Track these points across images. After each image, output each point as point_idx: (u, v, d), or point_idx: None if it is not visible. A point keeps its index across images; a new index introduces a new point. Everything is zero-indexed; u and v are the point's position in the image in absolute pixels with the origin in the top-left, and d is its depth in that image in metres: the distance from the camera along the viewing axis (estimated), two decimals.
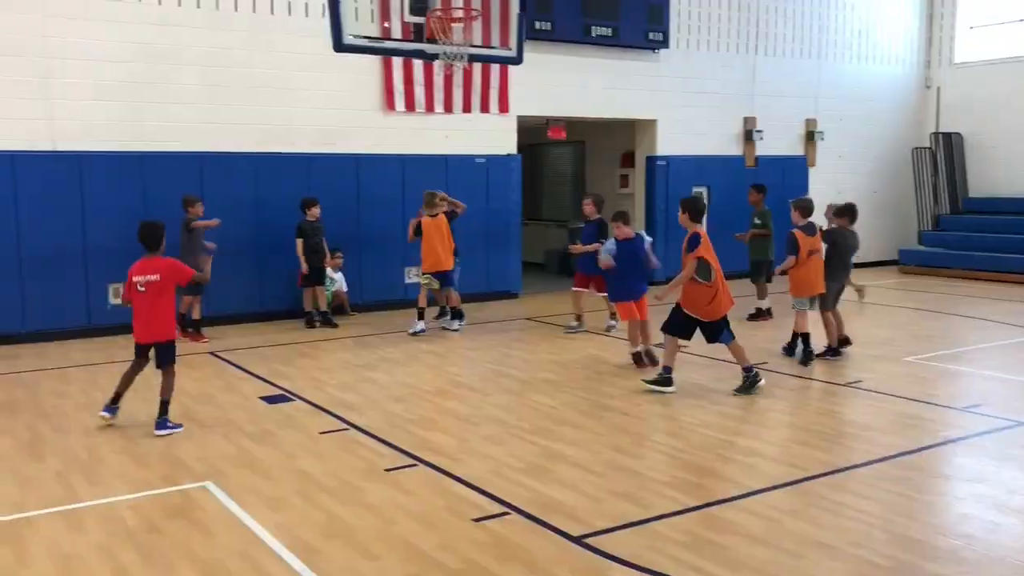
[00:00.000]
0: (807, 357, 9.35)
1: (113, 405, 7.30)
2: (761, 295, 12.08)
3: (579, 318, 11.47)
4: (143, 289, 7.07)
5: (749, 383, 8.09)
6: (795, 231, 9.43)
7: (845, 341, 9.79)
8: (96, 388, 8.58)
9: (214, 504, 5.56)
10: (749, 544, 4.85)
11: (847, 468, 6.11)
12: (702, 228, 8.23)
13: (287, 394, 8.30)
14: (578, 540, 4.94)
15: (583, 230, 11.40)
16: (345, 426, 7.25)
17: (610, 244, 9.56)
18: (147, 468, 6.26)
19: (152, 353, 7.24)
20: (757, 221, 12.14)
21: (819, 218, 10.32)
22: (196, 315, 10.94)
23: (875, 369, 9.16)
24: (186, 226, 10.62)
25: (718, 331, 8.11)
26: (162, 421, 7.06)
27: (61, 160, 10.95)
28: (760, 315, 11.98)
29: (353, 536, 5.03)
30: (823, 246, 9.56)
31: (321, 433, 7.08)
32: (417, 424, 7.31)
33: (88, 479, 6.03)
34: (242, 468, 6.22)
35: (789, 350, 9.73)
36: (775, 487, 5.73)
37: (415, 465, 6.26)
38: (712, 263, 8.00)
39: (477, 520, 5.23)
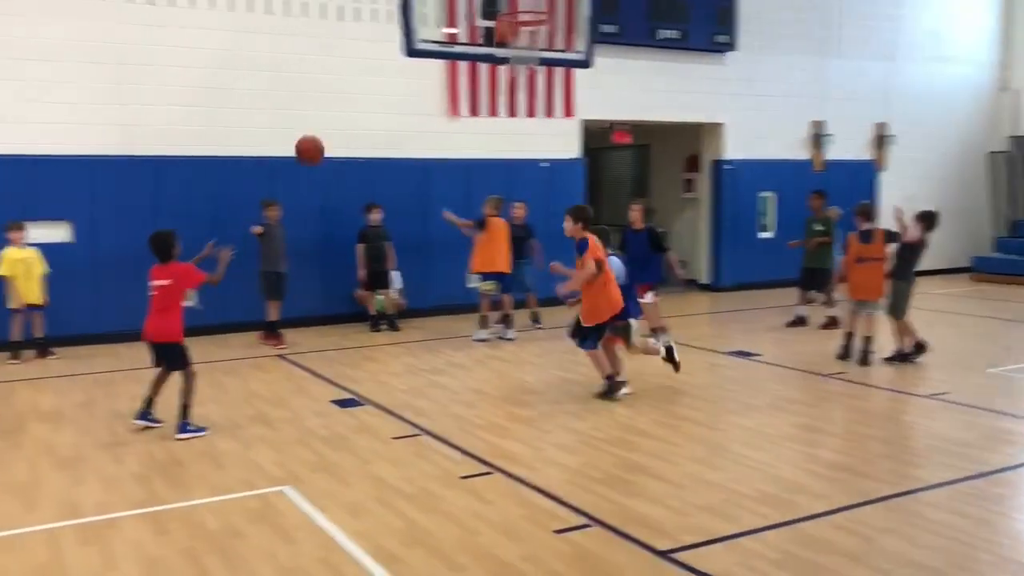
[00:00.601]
0: (845, 353, 9.63)
1: (146, 410, 7.27)
2: (829, 304, 11.81)
3: (660, 329, 10.17)
4: (154, 293, 7.30)
5: (610, 389, 8.10)
6: (850, 234, 9.68)
7: (921, 347, 9.60)
8: (170, 389, 8.63)
9: (293, 509, 5.54)
10: (847, 564, 4.66)
11: (941, 484, 5.86)
12: (590, 234, 8.04)
13: (357, 398, 8.29)
14: (666, 555, 4.80)
15: (627, 239, 10.36)
16: (417, 431, 7.20)
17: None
18: (225, 471, 6.27)
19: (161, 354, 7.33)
20: (820, 228, 11.87)
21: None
22: (274, 317, 10.99)
23: (958, 380, 8.83)
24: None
25: (585, 336, 8.02)
26: (182, 424, 7.04)
27: (135, 165, 11.13)
28: (831, 324, 11.60)
29: (436, 545, 4.95)
30: (888, 253, 9.49)
31: (394, 438, 7.03)
32: (489, 430, 7.23)
33: (168, 481, 6.06)
34: (319, 473, 6.20)
35: (900, 357, 9.55)
36: (867, 503, 5.52)
37: (490, 473, 6.17)
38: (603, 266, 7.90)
39: (559, 531, 5.12)
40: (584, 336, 8.06)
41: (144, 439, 7.02)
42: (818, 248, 11.82)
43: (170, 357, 7.26)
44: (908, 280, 9.58)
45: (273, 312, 11.00)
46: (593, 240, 8.00)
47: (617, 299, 7.98)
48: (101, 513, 5.47)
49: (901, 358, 9.48)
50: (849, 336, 9.70)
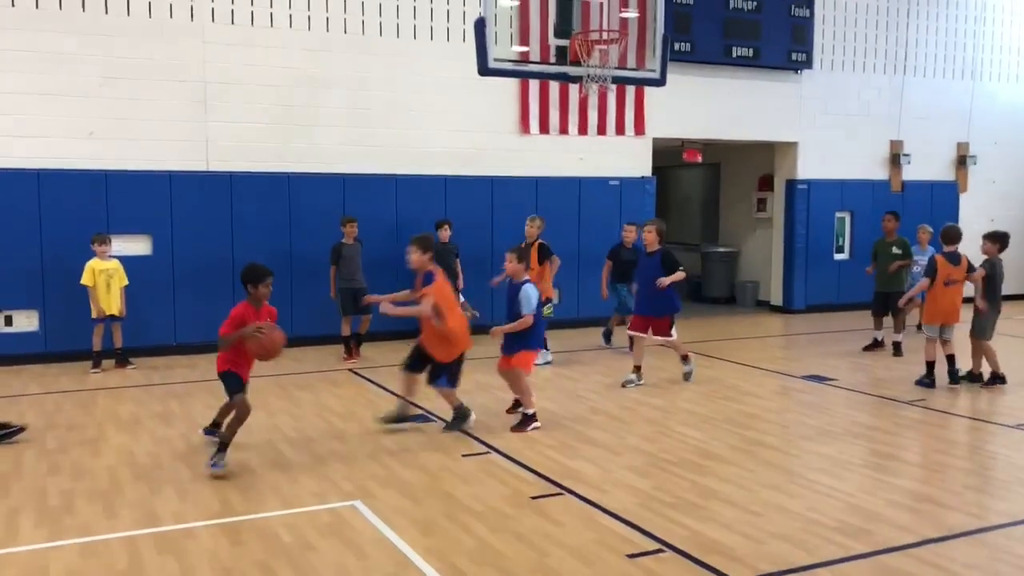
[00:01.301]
0: (931, 382, 9.44)
1: (212, 428, 7.25)
2: (899, 328, 11.42)
3: (638, 369, 9.67)
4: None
5: (460, 417, 7.78)
6: (937, 255, 9.46)
7: (978, 377, 9.56)
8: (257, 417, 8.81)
9: (364, 524, 5.56)
10: None
11: None
12: (437, 268, 7.80)
13: (426, 414, 8.31)
14: None
15: (639, 263, 9.99)
16: (486, 450, 7.18)
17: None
18: (297, 484, 6.33)
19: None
20: (897, 251, 11.56)
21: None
22: (346, 332, 11.13)
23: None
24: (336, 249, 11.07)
25: (440, 374, 7.66)
26: (214, 458, 6.58)
27: (214, 179, 11.41)
28: (897, 350, 11.37)
29: (506, 566, 4.92)
30: (975, 277, 9.37)
31: (464, 456, 7.03)
32: (558, 451, 7.18)
33: (242, 493, 6.14)
34: (389, 488, 6.22)
35: (971, 377, 9.57)
36: (952, 536, 5.32)
37: (561, 494, 6.12)
38: (445, 305, 7.50)
39: (632, 556, 5.04)
40: (438, 374, 7.67)
41: None
42: (897, 271, 11.52)
43: (224, 384, 6.88)
44: (995, 304, 9.44)
45: (346, 328, 11.11)
46: (441, 278, 7.70)
47: (465, 334, 7.69)
48: (178, 522, 5.57)
49: (974, 379, 9.53)
50: (933, 365, 9.47)
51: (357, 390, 9.47)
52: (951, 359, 9.39)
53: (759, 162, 16.29)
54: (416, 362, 7.77)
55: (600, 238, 13.47)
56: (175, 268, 11.28)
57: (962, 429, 8.03)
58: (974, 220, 16.65)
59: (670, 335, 9.56)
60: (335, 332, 11.78)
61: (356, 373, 10.30)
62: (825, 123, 15.43)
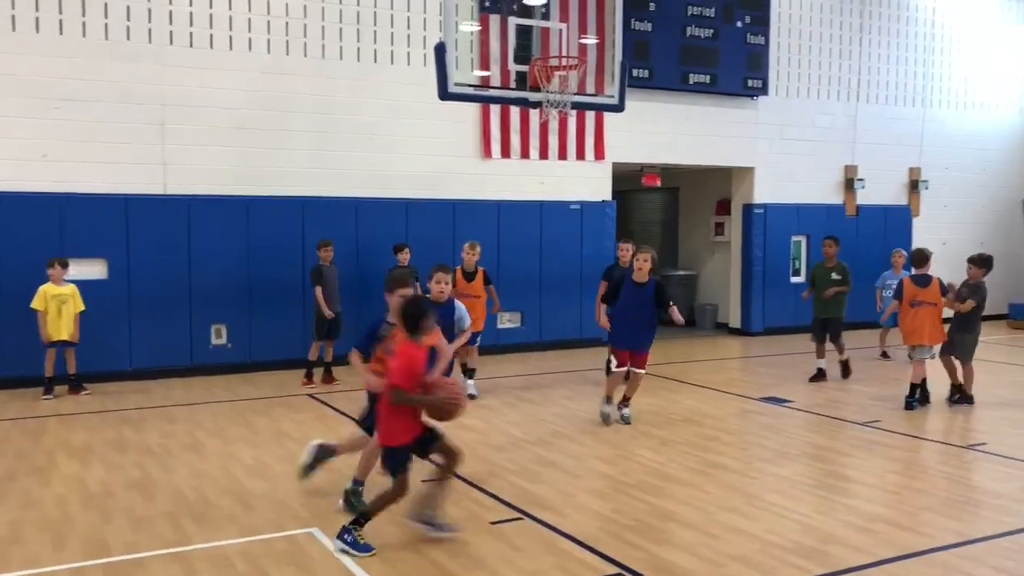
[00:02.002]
0: (923, 400, 9.62)
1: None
2: (841, 349, 11.28)
3: (610, 399, 8.98)
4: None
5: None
6: (905, 278, 9.87)
7: (967, 398, 9.78)
8: (199, 428, 8.71)
9: (321, 551, 5.49)
10: None
11: (982, 539, 5.71)
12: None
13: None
14: None
15: (626, 294, 8.75)
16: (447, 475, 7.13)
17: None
18: (253, 512, 6.24)
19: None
20: (837, 276, 11.25)
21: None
22: (313, 357, 11.03)
23: (998, 431, 8.68)
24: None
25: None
26: (345, 531, 5.43)
27: (171, 203, 11.30)
28: (847, 369, 11.40)
29: None
30: (963, 307, 9.62)
31: (423, 481, 6.95)
32: (518, 475, 7.15)
33: (197, 521, 6.04)
34: (346, 515, 6.14)
35: (962, 397, 9.77)
36: (905, 556, 5.38)
37: (520, 519, 6.10)
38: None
39: None
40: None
41: (173, 478, 7.02)
42: (835, 297, 11.20)
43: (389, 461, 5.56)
44: (977, 327, 9.87)
45: (314, 352, 11.02)
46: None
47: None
48: (130, 552, 5.45)
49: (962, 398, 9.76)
50: (915, 386, 9.61)
51: (316, 415, 9.37)
52: (913, 387, 9.55)
53: (717, 186, 16.51)
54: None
55: (561, 261, 13.58)
56: (131, 293, 11.12)
57: (916, 450, 8.15)
58: (927, 244, 16.97)
59: (643, 368, 8.89)
60: (293, 356, 11.71)
61: (314, 398, 10.21)
62: (781, 148, 15.70)
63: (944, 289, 9.60)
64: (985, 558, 5.37)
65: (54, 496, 6.57)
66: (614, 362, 8.90)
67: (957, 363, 9.71)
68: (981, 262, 9.82)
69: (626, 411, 8.98)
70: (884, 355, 13.07)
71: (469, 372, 10.25)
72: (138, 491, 6.69)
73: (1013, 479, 7.10)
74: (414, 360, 5.34)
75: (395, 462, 5.45)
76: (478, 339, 10.24)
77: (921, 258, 9.74)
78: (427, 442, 5.56)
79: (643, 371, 8.93)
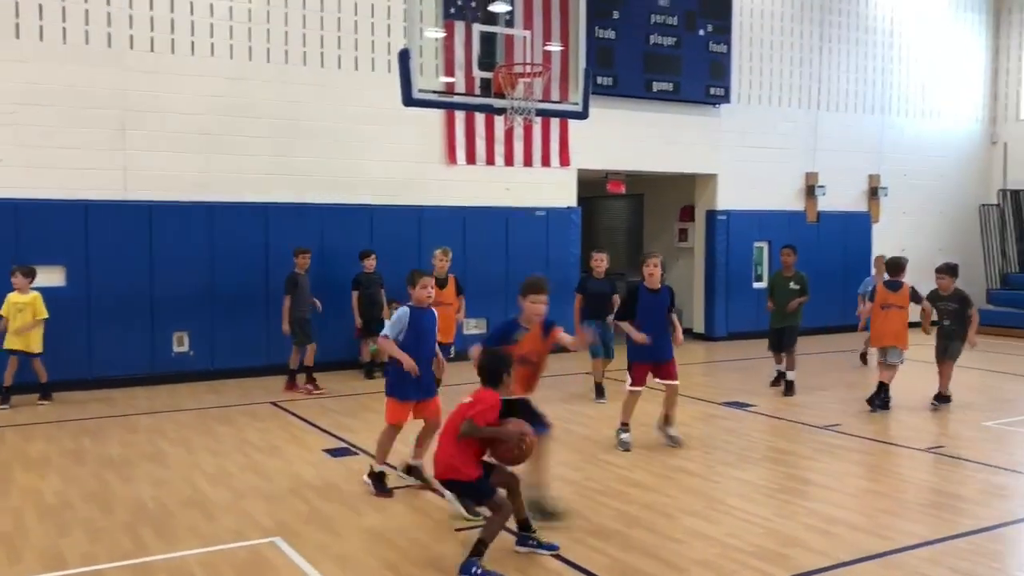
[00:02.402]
0: (884, 406, 9.76)
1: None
2: (791, 365, 10.92)
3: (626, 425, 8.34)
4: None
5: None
6: (879, 283, 10.37)
7: (947, 399, 10.13)
8: (161, 437, 8.61)
9: (284, 561, 5.45)
10: None
11: (939, 540, 5.80)
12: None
13: (351, 447, 8.21)
14: None
15: (641, 302, 8.27)
16: (411, 482, 7.11)
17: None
18: (215, 522, 6.17)
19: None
20: (795, 286, 10.97)
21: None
22: (295, 365, 10.99)
23: (955, 434, 8.85)
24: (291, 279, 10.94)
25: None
26: (468, 563, 5.15)
27: (132, 209, 11.16)
28: (789, 388, 10.83)
29: None
30: (912, 304, 9.94)
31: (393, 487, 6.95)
32: None
33: (157, 532, 5.96)
34: (310, 524, 6.12)
35: (940, 398, 10.04)
36: (866, 559, 5.46)
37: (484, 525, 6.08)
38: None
39: None
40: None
41: (133, 489, 6.92)
42: (796, 308, 10.91)
43: (467, 494, 5.64)
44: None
45: (295, 358, 10.98)
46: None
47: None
48: (87, 564, 5.37)
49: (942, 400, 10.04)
50: (882, 386, 9.86)
51: (279, 423, 9.29)
52: (881, 386, 9.80)
53: (680, 193, 16.65)
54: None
55: (527, 267, 13.53)
56: (91, 300, 10.96)
57: (876, 453, 8.26)
58: (887, 249, 17.23)
59: (674, 378, 8.20)
60: (257, 364, 11.65)
61: (278, 406, 10.13)
62: (743, 156, 15.87)
63: (916, 296, 9.90)
64: (942, 559, 5.47)
65: (9, 508, 6.45)
66: (628, 381, 8.25)
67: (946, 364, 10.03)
68: (951, 271, 10.07)
69: (672, 430, 8.23)
70: (863, 358, 13.24)
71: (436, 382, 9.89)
72: (97, 502, 6.58)
73: (970, 481, 7.23)
74: (493, 407, 5.30)
75: (478, 491, 5.36)
76: (452, 350, 10.12)
77: (896, 266, 10.06)
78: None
79: (676, 382, 8.19)
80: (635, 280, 17.12)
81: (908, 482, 7.27)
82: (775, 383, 11.28)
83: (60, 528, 6.02)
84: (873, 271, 12.88)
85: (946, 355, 10.02)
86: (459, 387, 10.75)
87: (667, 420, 8.30)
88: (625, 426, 8.22)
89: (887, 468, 7.83)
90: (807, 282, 11.12)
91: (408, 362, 6.52)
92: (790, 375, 10.92)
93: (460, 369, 9.06)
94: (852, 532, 5.95)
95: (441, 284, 10.06)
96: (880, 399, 9.75)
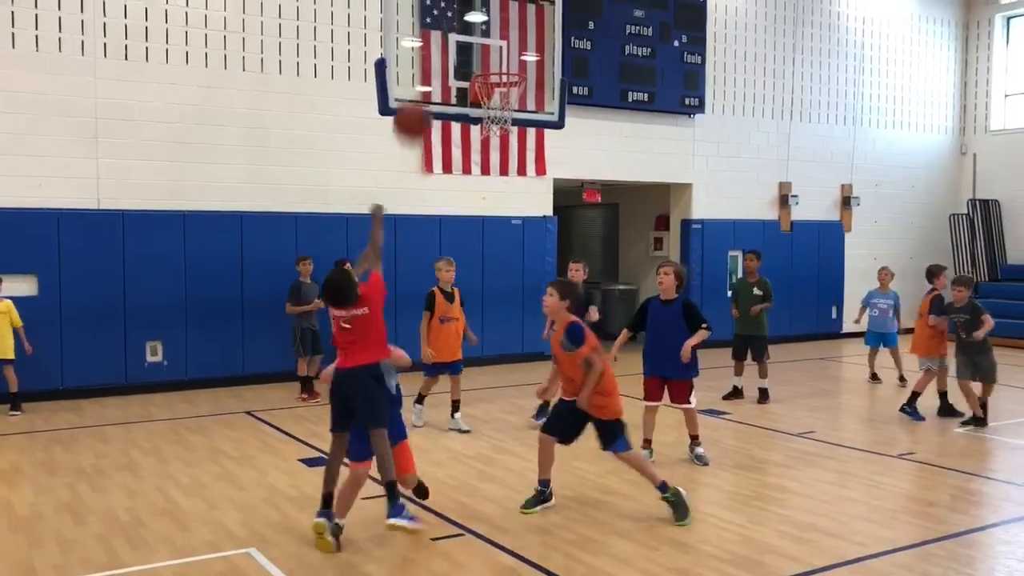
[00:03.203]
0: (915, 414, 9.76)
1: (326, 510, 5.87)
2: (763, 373, 10.86)
3: (649, 443, 8.09)
4: (347, 326, 5.83)
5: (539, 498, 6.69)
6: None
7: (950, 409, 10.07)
8: (134, 447, 8.52)
9: (259, 571, 5.42)
10: None
11: (912, 546, 5.87)
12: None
13: (325, 456, 8.14)
14: None
15: (651, 315, 7.97)
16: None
17: None
18: (189, 532, 6.12)
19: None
20: (758, 292, 10.83)
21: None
22: (303, 372, 11.00)
23: (925, 440, 8.94)
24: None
25: (612, 435, 6.45)
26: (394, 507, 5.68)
27: (104, 218, 11.06)
28: (763, 397, 10.83)
29: None
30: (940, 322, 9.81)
31: (363, 499, 6.90)
32: (460, 491, 7.15)
33: (130, 543, 5.90)
34: (285, 534, 6.08)
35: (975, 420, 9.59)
36: (839, 565, 5.51)
37: (462, 535, 6.09)
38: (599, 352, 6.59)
39: None
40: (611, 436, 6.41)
41: (106, 499, 6.85)
42: (759, 312, 10.82)
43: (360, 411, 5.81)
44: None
45: (303, 367, 10.96)
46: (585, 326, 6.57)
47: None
48: None
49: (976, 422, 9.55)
50: (915, 394, 9.92)
51: (253, 433, 9.23)
52: (913, 394, 9.89)
53: (656, 202, 16.75)
54: (561, 426, 6.59)
55: (503, 276, 13.63)
56: (63, 309, 10.84)
57: (849, 460, 8.33)
58: (859, 258, 17.54)
59: (689, 402, 7.96)
60: (231, 374, 11.61)
61: (253, 415, 10.06)
62: (717, 165, 16.00)
63: (939, 307, 9.77)
64: (915, 565, 5.53)
65: None
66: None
67: (977, 385, 9.54)
68: (965, 282, 9.54)
69: (700, 450, 8.00)
70: (874, 377, 12.33)
71: (455, 404, 9.35)
72: (69, 513, 6.51)
73: (941, 487, 7.33)
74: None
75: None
76: (461, 368, 9.46)
77: (933, 272, 10.41)
78: None
79: (688, 405, 7.92)
80: (611, 288, 17.32)
81: (881, 488, 7.34)
82: (729, 396, 10.95)
83: (31, 540, 5.95)
84: (877, 284, 12.43)
85: (978, 375, 9.45)
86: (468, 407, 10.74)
87: (694, 440, 8.10)
88: (647, 443, 7.97)
89: (861, 475, 7.89)
90: (770, 288, 10.95)
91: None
92: (763, 383, 10.88)
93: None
94: (826, 538, 6.00)
95: (449, 298, 9.30)
96: (942, 408, 9.97)
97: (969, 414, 9.57)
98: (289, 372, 11.89)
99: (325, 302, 6.08)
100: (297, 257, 11.13)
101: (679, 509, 6.28)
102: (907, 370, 11.67)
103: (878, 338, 12.22)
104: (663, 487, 6.33)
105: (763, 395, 10.86)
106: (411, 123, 7.04)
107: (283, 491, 7.10)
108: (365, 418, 5.82)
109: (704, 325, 7.73)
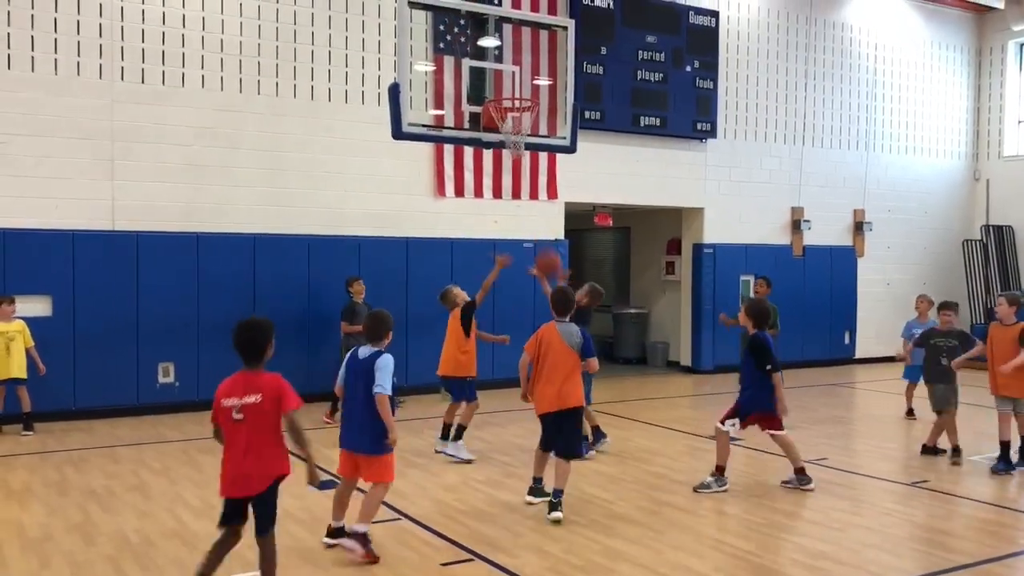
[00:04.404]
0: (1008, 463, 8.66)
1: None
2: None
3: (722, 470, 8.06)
4: (240, 416, 5.24)
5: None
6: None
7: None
8: (145, 468, 8.54)
9: None
10: None
11: None
12: None
13: (336, 479, 8.13)
14: None
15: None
16: (396, 515, 7.09)
17: None
18: (199, 554, 6.06)
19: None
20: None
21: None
22: None
23: (940, 468, 8.85)
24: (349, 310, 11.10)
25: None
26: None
27: (119, 239, 11.15)
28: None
29: None
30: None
31: (372, 522, 6.90)
32: (470, 515, 7.13)
33: (140, 564, 5.91)
34: (296, 557, 6.08)
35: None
36: None
37: (471, 560, 6.07)
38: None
39: None
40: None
41: (116, 520, 6.86)
42: None
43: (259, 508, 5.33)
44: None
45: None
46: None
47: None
48: None
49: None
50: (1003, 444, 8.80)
51: None
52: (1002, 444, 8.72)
53: (667, 226, 16.77)
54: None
55: (515, 299, 13.62)
56: (76, 330, 10.91)
57: (862, 487, 8.27)
58: (872, 284, 17.49)
59: (782, 429, 8.03)
60: None
61: None
62: (729, 190, 16.02)
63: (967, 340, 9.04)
64: None
65: None
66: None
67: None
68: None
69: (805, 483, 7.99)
70: (910, 413, 11.63)
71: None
72: (79, 534, 6.52)
73: (955, 516, 7.26)
74: None
75: None
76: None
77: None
78: None
79: (781, 432, 7.97)
80: (622, 312, 17.29)
81: (894, 517, 7.28)
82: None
83: (42, 560, 5.96)
84: (915, 314, 11.67)
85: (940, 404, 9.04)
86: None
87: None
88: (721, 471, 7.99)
89: (873, 502, 7.83)
90: (777, 315, 10.65)
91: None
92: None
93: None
94: (839, 567, 5.95)
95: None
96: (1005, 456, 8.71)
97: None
98: (300, 394, 11.86)
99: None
100: (349, 278, 11.31)
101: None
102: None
103: (917, 371, 10.87)
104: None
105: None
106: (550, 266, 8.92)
107: (293, 514, 7.09)
108: None
109: (772, 365, 7.79)
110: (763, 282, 11.06)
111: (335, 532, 6.25)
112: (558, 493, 6.95)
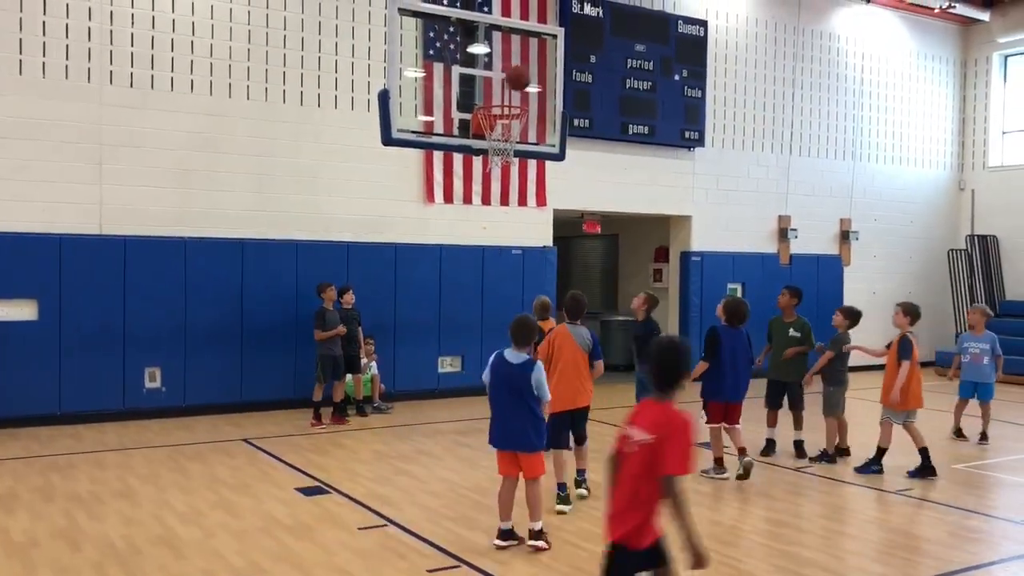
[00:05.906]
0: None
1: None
2: (799, 425, 9.75)
3: (721, 461, 8.72)
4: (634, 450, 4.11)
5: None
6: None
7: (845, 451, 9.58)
8: (131, 474, 8.51)
9: None
10: None
11: None
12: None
13: (323, 486, 8.16)
14: None
15: (727, 337, 8.88)
16: (384, 522, 7.09)
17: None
18: (185, 560, 6.11)
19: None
20: (796, 333, 9.64)
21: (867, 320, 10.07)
22: (339, 397, 11.30)
23: (923, 476, 8.90)
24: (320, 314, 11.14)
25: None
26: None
27: (106, 243, 11.11)
28: (800, 450, 9.72)
29: None
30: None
31: (360, 529, 6.91)
32: (457, 522, 7.13)
33: (126, 571, 5.89)
34: (282, 563, 6.07)
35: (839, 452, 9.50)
36: None
37: (458, 567, 6.07)
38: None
39: None
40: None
41: (102, 526, 6.83)
42: (794, 358, 9.62)
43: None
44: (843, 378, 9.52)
45: (319, 393, 11.16)
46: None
47: None
48: None
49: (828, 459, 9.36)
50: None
51: (251, 461, 9.22)
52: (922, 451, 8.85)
53: (655, 234, 16.83)
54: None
55: (503, 306, 13.61)
56: (62, 334, 10.85)
57: (846, 495, 8.32)
58: (857, 292, 17.56)
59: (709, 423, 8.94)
60: (229, 400, 11.60)
61: (251, 443, 10.05)
62: (717, 198, 16.09)
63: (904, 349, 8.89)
64: None
65: None
66: (703, 417, 8.78)
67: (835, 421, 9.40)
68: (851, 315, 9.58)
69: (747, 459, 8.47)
70: (959, 433, 10.97)
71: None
72: (65, 540, 6.50)
73: (939, 524, 7.31)
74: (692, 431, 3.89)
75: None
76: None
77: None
78: None
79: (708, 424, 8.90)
80: (610, 319, 17.35)
81: (878, 524, 7.33)
82: (766, 452, 9.68)
83: (26, 567, 5.93)
84: (971, 327, 11.27)
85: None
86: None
87: (743, 451, 8.59)
88: (720, 463, 8.77)
89: (857, 510, 7.89)
90: (810, 330, 9.71)
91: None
92: (799, 435, 9.71)
93: None
94: (823, 573, 5.99)
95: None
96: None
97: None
98: (287, 400, 11.94)
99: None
100: (321, 284, 11.27)
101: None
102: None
103: (971, 388, 10.85)
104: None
105: (799, 448, 9.67)
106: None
107: (280, 520, 7.08)
108: None
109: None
110: (788, 292, 10.03)
111: (505, 534, 6.49)
112: (581, 472, 7.81)
